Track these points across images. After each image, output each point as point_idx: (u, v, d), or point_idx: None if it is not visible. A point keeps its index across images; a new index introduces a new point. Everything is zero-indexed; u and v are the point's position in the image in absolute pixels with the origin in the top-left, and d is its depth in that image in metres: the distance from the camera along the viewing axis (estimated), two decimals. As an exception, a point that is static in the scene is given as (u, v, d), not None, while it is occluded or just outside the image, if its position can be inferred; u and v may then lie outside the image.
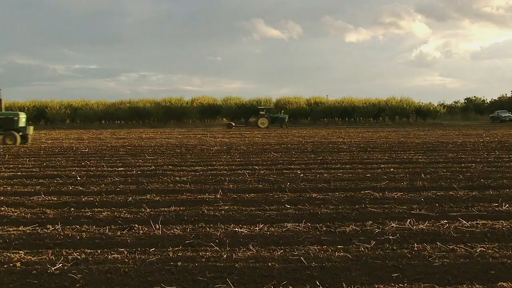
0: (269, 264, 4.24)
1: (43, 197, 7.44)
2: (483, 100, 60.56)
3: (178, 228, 5.53)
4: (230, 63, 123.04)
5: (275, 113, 41.46)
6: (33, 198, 7.35)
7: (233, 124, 39.42)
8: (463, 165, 11.12)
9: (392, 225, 5.54)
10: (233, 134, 28.45)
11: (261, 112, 39.54)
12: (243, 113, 50.38)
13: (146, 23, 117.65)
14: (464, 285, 3.76)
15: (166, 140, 22.01)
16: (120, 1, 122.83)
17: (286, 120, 39.97)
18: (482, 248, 4.63)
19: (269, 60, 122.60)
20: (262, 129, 35.44)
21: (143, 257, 4.49)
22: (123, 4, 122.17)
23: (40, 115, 49.11)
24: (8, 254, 4.61)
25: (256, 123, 38.46)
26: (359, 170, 10.31)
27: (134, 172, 10.51)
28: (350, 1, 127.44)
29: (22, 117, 20.84)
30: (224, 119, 50.06)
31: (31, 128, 21.63)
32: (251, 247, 4.77)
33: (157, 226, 5.56)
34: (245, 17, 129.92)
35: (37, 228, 5.61)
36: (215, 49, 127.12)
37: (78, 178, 9.52)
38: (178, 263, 4.28)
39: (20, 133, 20.13)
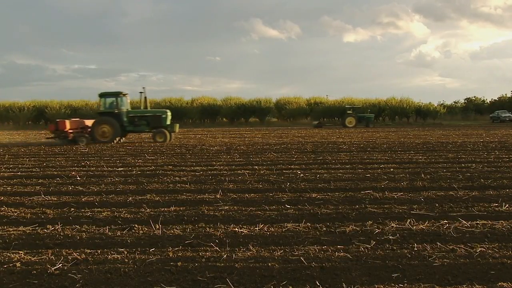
0: (269, 264, 4.23)
1: (43, 197, 7.44)
2: (483, 100, 60.60)
3: (178, 228, 5.53)
4: (229, 63, 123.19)
5: (361, 112, 41.69)
6: (33, 198, 7.35)
7: (322, 124, 39.64)
8: (463, 165, 11.12)
9: (392, 225, 5.54)
10: (233, 134, 28.45)
11: (348, 112, 39.84)
12: (243, 113, 50.40)
13: (145, 23, 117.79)
14: (464, 285, 3.76)
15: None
16: (119, 1, 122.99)
17: (372, 120, 40.14)
18: (482, 248, 4.62)
19: (269, 60, 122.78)
20: (350, 128, 35.84)
21: (143, 257, 4.49)
22: (123, 4, 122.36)
23: (40, 115, 49.09)
24: (8, 254, 4.61)
25: (343, 122, 38.58)
26: (359, 170, 10.31)
27: (134, 172, 10.51)
28: (348, 1, 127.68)
29: (169, 115, 21.16)
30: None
31: (177, 126, 21.99)
32: (251, 247, 4.77)
33: (157, 226, 5.56)
34: (244, 17, 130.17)
35: (37, 228, 5.61)
36: (214, 49, 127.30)
37: (78, 178, 9.52)
38: (178, 263, 4.28)
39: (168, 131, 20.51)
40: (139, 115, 20.78)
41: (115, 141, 20.01)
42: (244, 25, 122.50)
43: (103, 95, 20.64)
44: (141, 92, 21.66)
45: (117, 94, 20.48)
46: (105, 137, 19.78)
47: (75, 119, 22.19)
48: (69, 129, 19.74)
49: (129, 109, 21.34)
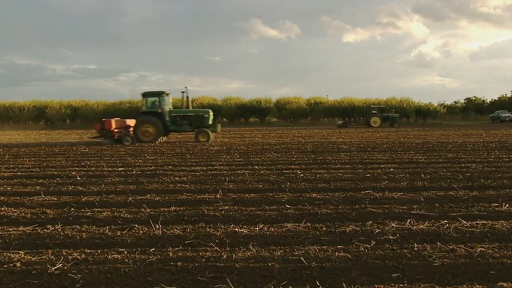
0: (269, 264, 4.23)
1: (43, 197, 7.44)
2: (483, 100, 60.61)
3: (178, 228, 5.53)
4: (229, 63, 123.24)
5: (386, 112, 41.72)
6: (33, 198, 7.35)
7: (348, 123, 39.58)
8: (463, 165, 11.12)
9: (392, 225, 5.53)
10: (233, 134, 28.45)
11: (373, 111, 39.89)
12: (243, 113, 50.42)
13: (145, 23, 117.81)
14: (464, 285, 3.76)
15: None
16: (119, 1, 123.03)
17: (397, 119, 40.13)
18: (482, 248, 4.62)
19: (268, 60, 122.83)
20: (374, 128, 35.98)
21: (143, 257, 4.49)
22: (123, 4, 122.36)
23: (40, 115, 49.10)
24: (8, 254, 4.60)
25: (368, 122, 38.59)
26: (359, 170, 10.31)
27: (134, 172, 10.51)
28: (347, 1, 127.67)
29: (211, 115, 21.16)
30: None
31: (219, 125, 22.02)
32: (251, 247, 4.77)
33: (157, 226, 5.56)
34: (244, 17, 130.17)
35: (37, 228, 5.61)
36: (213, 49, 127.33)
37: (78, 178, 9.52)
38: (178, 263, 4.28)
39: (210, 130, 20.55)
40: (182, 115, 20.73)
41: (158, 141, 20.03)
42: (244, 25, 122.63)
43: (145, 95, 20.65)
44: (183, 92, 21.62)
45: (159, 94, 20.45)
46: (148, 136, 19.78)
47: (117, 118, 22.11)
48: (115, 129, 19.77)
49: (171, 109, 21.27)
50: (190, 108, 21.96)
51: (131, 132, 20.12)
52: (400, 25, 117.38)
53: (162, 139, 20.75)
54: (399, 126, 38.99)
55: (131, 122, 21.08)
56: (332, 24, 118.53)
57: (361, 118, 46.71)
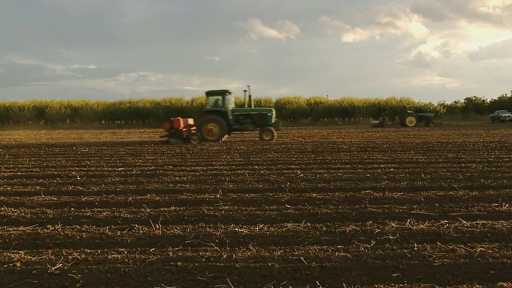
0: (269, 264, 4.23)
1: (43, 197, 7.44)
2: (483, 100, 60.59)
3: (178, 228, 5.53)
4: (228, 63, 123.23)
5: (421, 112, 41.58)
6: (33, 198, 7.35)
7: (383, 123, 39.52)
8: (463, 165, 11.11)
9: (392, 225, 5.53)
10: (233, 134, 28.42)
11: (408, 111, 39.79)
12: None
13: (144, 23, 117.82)
14: (464, 285, 3.76)
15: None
16: (118, 1, 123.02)
17: (432, 119, 39.94)
18: (482, 248, 4.62)
19: (268, 60, 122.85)
20: (410, 127, 35.68)
21: (143, 257, 4.49)
22: (122, 4, 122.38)
23: (40, 115, 49.10)
24: (8, 254, 4.61)
25: (404, 121, 38.43)
26: (359, 170, 10.31)
27: (134, 172, 10.51)
28: (346, 1, 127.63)
29: (274, 113, 21.22)
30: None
31: (280, 124, 22.15)
32: (251, 247, 4.77)
33: (157, 226, 5.56)
34: (243, 17, 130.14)
35: (37, 228, 5.61)
36: (213, 49, 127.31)
37: (78, 178, 9.53)
38: (178, 263, 4.28)
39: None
40: (245, 114, 20.74)
41: (222, 140, 20.10)
42: (243, 25, 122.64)
43: (209, 94, 20.67)
44: (245, 91, 21.62)
45: (223, 93, 20.46)
46: (212, 135, 19.82)
47: (180, 118, 22.09)
48: (183, 128, 19.78)
49: (234, 108, 21.28)
50: (252, 106, 21.96)
51: (193, 131, 20.11)
52: (399, 25, 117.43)
53: (225, 138, 20.82)
54: (434, 125, 38.44)
55: (191, 121, 21.15)
56: (331, 24, 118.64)
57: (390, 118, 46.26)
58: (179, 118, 20.51)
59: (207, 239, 5.07)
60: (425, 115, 39.84)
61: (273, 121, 20.91)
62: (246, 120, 20.58)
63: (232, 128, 20.52)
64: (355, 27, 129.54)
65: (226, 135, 21.06)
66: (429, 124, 38.45)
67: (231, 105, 20.82)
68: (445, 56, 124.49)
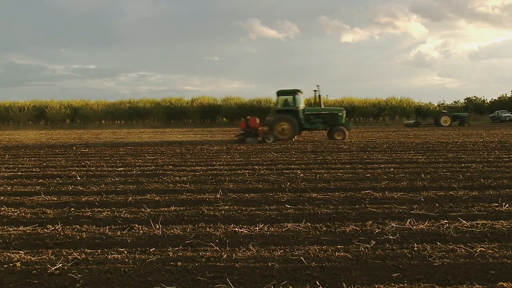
0: (269, 264, 4.23)
1: (43, 197, 7.44)
2: (483, 100, 60.57)
3: (178, 228, 5.53)
4: (227, 63, 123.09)
5: (455, 111, 41.43)
6: (33, 198, 7.36)
7: (419, 123, 39.24)
8: (463, 165, 11.12)
9: (392, 225, 5.54)
10: (233, 134, 28.43)
11: (443, 111, 39.65)
12: (243, 113, 50.38)
13: (144, 23, 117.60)
14: (464, 285, 3.76)
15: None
16: (118, 1, 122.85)
17: (466, 119, 39.46)
18: (482, 248, 4.62)
19: (267, 60, 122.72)
20: (445, 127, 35.41)
21: (143, 257, 4.49)
22: (122, 4, 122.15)
23: (40, 115, 49.10)
24: (8, 254, 4.61)
25: (438, 121, 38.05)
26: (359, 170, 10.31)
27: (134, 172, 10.52)
28: (345, 1, 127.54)
29: (344, 113, 21.22)
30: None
31: (350, 123, 22.09)
32: (251, 247, 4.77)
33: (157, 226, 5.56)
34: (242, 17, 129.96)
35: (37, 228, 5.61)
36: (212, 49, 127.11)
37: (78, 178, 9.53)
38: (178, 263, 4.28)
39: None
40: (315, 113, 20.70)
41: (293, 139, 20.09)
42: (242, 25, 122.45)
43: (280, 93, 20.67)
44: (315, 90, 21.61)
45: (294, 92, 20.46)
46: (284, 134, 19.84)
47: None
48: (259, 127, 19.75)
49: (305, 107, 21.24)
50: (322, 106, 21.97)
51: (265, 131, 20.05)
52: (398, 25, 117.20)
53: (296, 137, 20.78)
54: (469, 125, 37.76)
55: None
56: (330, 24, 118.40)
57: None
58: (255, 117, 20.55)
59: (207, 239, 5.07)
60: (459, 115, 39.39)
61: (343, 120, 20.83)
62: (317, 120, 20.52)
63: (303, 127, 20.50)
64: (354, 27, 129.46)
65: (297, 135, 21.00)
66: (464, 123, 37.85)
67: (301, 105, 20.80)
68: (444, 56, 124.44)
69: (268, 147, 16.95)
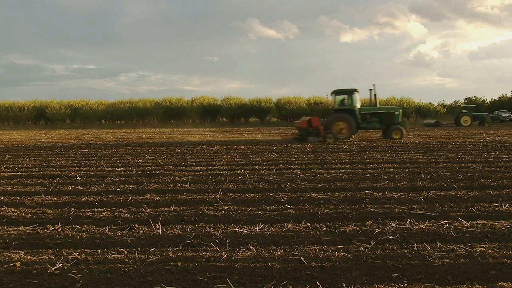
0: (269, 264, 4.23)
1: (43, 197, 7.44)
2: (483, 100, 60.58)
3: (178, 228, 5.53)
4: (227, 63, 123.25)
5: (476, 111, 41.07)
6: (33, 198, 7.36)
7: (439, 122, 39.00)
8: (463, 165, 11.12)
9: (392, 225, 5.54)
10: (233, 134, 28.44)
11: (463, 110, 39.26)
12: (243, 113, 50.46)
13: (144, 23, 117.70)
14: (464, 285, 3.76)
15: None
16: (118, 1, 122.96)
17: (487, 118, 39.30)
18: (482, 248, 4.62)
19: (267, 60, 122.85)
20: (465, 127, 35.22)
21: (143, 257, 4.49)
22: (122, 4, 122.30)
23: (40, 115, 49.11)
24: (8, 254, 4.60)
25: (458, 121, 37.86)
26: (359, 170, 10.31)
27: (134, 172, 10.51)
28: (344, 1, 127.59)
29: (401, 112, 21.22)
30: (224, 119, 49.96)
31: (407, 122, 21.92)
32: (251, 247, 4.77)
33: (157, 226, 5.56)
34: (241, 17, 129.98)
35: (37, 228, 5.61)
36: (212, 49, 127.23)
37: (78, 178, 9.52)
38: (178, 263, 4.28)
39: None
40: (371, 112, 20.65)
41: (351, 138, 20.10)
42: (241, 25, 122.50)
43: (336, 93, 20.68)
44: (370, 90, 21.55)
45: (351, 92, 20.45)
46: (342, 134, 19.85)
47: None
48: (321, 126, 19.70)
49: (361, 106, 21.19)
50: (378, 105, 21.94)
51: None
52: (397, 25, 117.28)
53: (353, 137, 20.79)
54: (490, 125, 37.65)
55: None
56: (329, 24, 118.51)
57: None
58: (317, 116, 20.56)
59: (207, 239, 5.07)
60: (479, 114, 39.25)
61: (400, 119, 20.75)
62: (373, 119, 20.48)
63: (360, 126, 20.46)
64: (353, 27, 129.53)
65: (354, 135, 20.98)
66: (484, 123, 37.72)
67: (358, 104, 20.75)
68: (444, 56, 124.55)
69: (268, 147, 16.95)
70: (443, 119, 45.96)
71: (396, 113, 20.67)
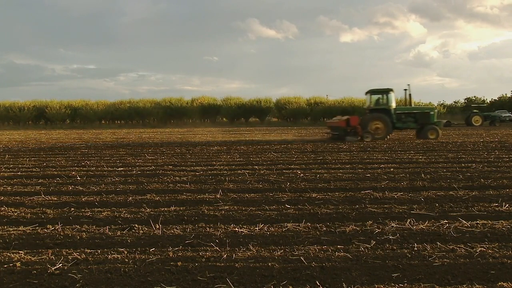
0: (269, 264, 4.23)
1: (43, 197, 7.44)
2: (483, 100, 60.57)
3: (178, 228, 5.53)
4: (227, 63, 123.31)
5: (487, 111, 41.02)
6: (33, 198, 7.35)
7: (451, 122, 38.83)
8: (463, 165, 11.12)
9: (392, 225, 5.54)
10: (233, 134, 28.44)
11: (474, 110, 39.11)
12: (243, 113, 50.45)
13: (144, 23, 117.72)
14: (464, 285, 3.76)
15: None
16: (118, 1, 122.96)
17: (497, 118, 39.15)
18: (482, 248, 4.62)
19: (267, 60, 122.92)
20: (476, 127, 35.05)
21: (143, 257, 4.49)
22: (122, 4, 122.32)
23: (40, 115, 49.09)
24: (8, 254, 4.60)
25: (469, 121, 37.72)
26: (359, 170, 10.31)
27: (134, 172, 10.51)
28: (343, 1, 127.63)
29: (436, 112, 21.17)
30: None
31: (443, 122, 22.00)
32: (251, 247, 4.77)
33: (157, 226, 5.56)
34: (241, 17, 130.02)
35: (37, 228, 5.61)
36: (211, 49, 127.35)
37: (78, 178, 9.52)
38: (178, 263, 4.28)
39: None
40: (406, 112, 20.59)
41: (387, 138, 20.06)
42: (241, 25, 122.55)
43: (371, 92, 20.65)
44: (405, 90, 21.51)
45: (386, 91, 20.40)
46: (378, 133, 19.81)
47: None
48: (359, 125, 19.67)
49: (396, 106, 21.11)
50: (412, 105, 21.85)
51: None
52: (397, 25, 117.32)
53: (389, 136, 20.77)
54: (500, 124, 37.56)
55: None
56: (329, 24, 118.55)
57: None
58: (356, 116, 20.49)
59: (207, 239, 5.07)
60: (490, 114, 39.10)
61: (435, 119, 20.69)
62: (408, 119, 20.40)
63: (395, 126, 20.39)
64: (353, 27, 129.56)
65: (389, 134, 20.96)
66: (495, 123, 37.61)
67: (393, 103, 20.68)
68: (444, 56, 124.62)
69: (268, 147, 16.95)
70: (454, 119, 45.96)
71: (432, 113, 20.63)
